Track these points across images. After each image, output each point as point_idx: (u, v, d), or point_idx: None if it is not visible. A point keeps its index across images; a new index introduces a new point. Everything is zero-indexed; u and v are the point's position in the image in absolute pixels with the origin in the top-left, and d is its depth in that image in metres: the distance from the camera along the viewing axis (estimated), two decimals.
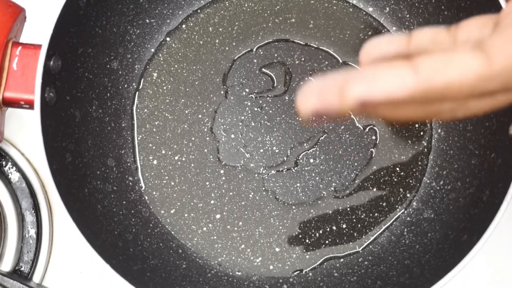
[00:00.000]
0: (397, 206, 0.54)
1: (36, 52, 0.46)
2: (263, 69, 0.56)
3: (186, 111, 0.56)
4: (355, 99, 0.29)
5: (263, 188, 0.54)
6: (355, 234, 0.54)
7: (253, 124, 0.55)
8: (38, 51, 0.45)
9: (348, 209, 0.54)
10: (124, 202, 0.53)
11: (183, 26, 0.57)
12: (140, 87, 0.56)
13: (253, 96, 0.56)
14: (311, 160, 0.55)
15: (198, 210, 0.54)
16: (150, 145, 0.55)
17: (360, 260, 0.53)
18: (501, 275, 0.56)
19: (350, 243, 0.54)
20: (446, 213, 0.52)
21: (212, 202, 0.54)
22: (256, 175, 0.55)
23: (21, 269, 0.55)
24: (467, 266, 0.42)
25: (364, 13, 0.57)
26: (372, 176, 0.54)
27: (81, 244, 0.43)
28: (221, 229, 0.54)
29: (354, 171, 0.55)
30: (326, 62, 0.56)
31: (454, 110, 0.31)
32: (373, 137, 0.55)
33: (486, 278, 0.56)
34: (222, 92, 0.56)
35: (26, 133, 0.58)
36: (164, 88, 0.56)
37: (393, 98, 0.29)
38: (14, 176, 0.56)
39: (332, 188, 0.54)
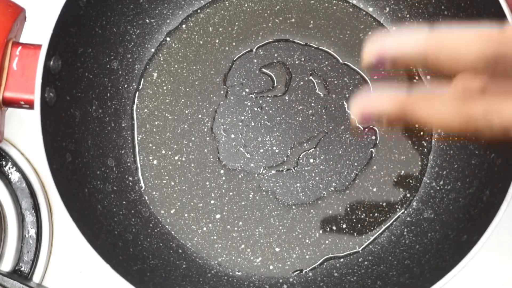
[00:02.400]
0: (397, 206, 0.54)
1: (36, 52, 0.46)
2: (263, 69, 0.56)
3: (186, 111, 0.56)
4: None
5: (263, 188, 0.54)
6: (355, 234, 0.54)
7: (253, 124, 0.55)
8: (38, 51, 0.45)
9: (348, 209, 0.54)
10: (124, 202, 0.53)
11: (183, 26, 0.57)
12: (140, 87, 0.56)
13: (253, 96, 0.56)
14: (311, 160, 0.55)
15: (198, 210, 0.54)
16: (150, 145, 0.55)
17: (360, 260, 0.53)
18: (501, 275, 0.56)
19: (350, 243, 0.54)
20: (446, 213, 0.52)
21: (212, 202, 0.54)
22: (256, 175, 0.55)
23: (21, 269, 0.55)
24: (467, 266, 0.42)
25: (364, 13, 0.57)
26: (372, 176, 0.54)
27: (81, 244, 0.43)
28: (221, 229, 0.54)
29: (354, 171, 0.54)
30: (326, 62, 0.56)
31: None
32: (373, 137, 0.55)
33: (486, 278, 0.56)
34: (222, 92, 0.56)
35: (26, 133, 0.58)
36: (164, 88, 0.56)
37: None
38: (14, 176, 0.56)
39: (332, 188, 0.54)
